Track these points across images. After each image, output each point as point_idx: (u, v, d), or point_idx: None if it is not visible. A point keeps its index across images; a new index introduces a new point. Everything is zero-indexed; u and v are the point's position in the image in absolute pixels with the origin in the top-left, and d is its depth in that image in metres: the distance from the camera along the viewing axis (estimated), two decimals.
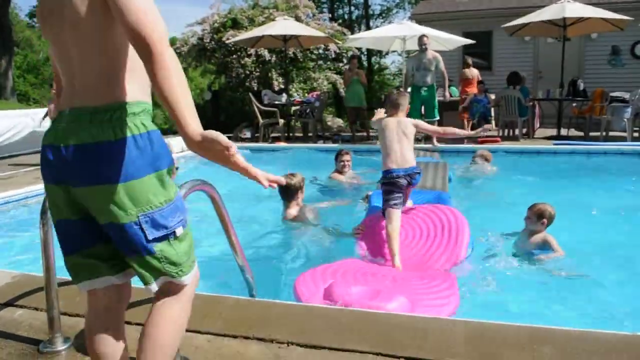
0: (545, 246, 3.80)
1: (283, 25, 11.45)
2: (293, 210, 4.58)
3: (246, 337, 2.33)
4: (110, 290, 1.60)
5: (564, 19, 9.99)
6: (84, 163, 1.40)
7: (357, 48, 15.69)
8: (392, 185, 4.00)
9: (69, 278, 2.95)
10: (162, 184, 1.47)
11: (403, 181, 4.00)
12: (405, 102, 4.35)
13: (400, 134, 4.10)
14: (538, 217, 3.82)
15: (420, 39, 9.55)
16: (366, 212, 4.81)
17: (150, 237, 1.44)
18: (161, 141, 1.49)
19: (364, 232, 4.15)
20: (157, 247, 1.46)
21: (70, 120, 1.43)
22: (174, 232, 1.49)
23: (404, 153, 4.07)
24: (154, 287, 1.52)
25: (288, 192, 4.55)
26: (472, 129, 12.02)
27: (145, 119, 1.46)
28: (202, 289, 3.00)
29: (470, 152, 7.99)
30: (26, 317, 2.64)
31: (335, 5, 29.98)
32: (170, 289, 1.55)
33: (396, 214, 3.86)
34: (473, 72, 11.97)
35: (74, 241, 1.54)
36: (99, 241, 1.52)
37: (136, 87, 1.46)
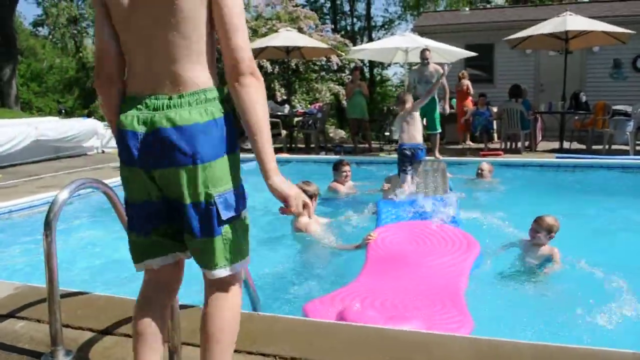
0: (549, 258, 3.79)
1: (286, 37, 11.50)
2: (304, 220, 4.53)
3: (249, 353, 2.30)
4: (173, 268, 1.67)
5: (566, 32, 10.02)
6: (166, 146, 1.46)
7: (359, 60, 15.75)
8: (402, 155, 6.09)
9: (72, 290, 2.95)
10: (235, 167, 1.55)
11: (408, 152, 6.06)
12: (409, 98, 6.27)
13: (408, 119, 6.10)
14: (548, 231, 3.82)
15: (422, 52, 9.62)
16: (376, 221, 4.80)
17: (223, 217, 1.51)
18: (236, 125, 1.55)
19: (375, 241, 4.12)
20: (224, 230, 1.53)
21: (152, 106, 1.48)
22: (240, 214, 1.56)
23: (411, 133, 6.09)
24: (218, 272, 1.55)
25: None
26: (474, 141, 12.05)
27: (224, 103, 1.53)
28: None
29: (471, 164, 7.98)
30: (28, 329, 2.62)
31: (338, 17, 30.14)
32: (223, 284, 1.59)
33: (407, 177, 5.98)
34: (462, 84, 12.11)
35: (150, 220, 1.59)
36: (168, 220, 1.58)
37: (215, 74, 1.53)
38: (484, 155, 9.57)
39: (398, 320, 2.64)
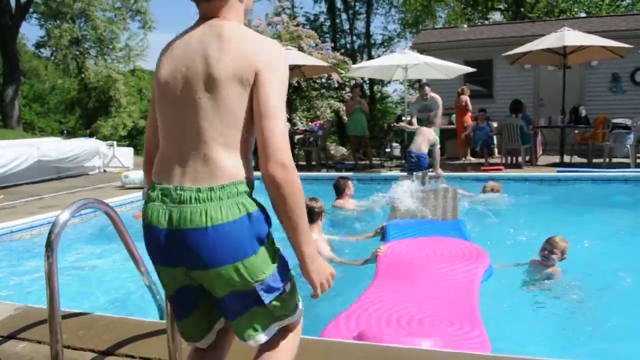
0: (554, 277, 3.79)
1: (286, 56, 11.58)
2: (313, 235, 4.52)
3: None
4: (220, 337, 1.65)
5: (564, 47, 10.09)
6: (204, 248, 1.38)
7: (359, 77, 15.84)
8: (409, 159, 8.21)
9: (73, 310, 2.94)
10: (271, 252, 1.48)
11: (413, 158, 8.09)
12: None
13: (418, 133, 8.45)
14: (562, 252, 3.85)
15: (422, 88, 10.19)
16: (384, 240, 4.80)
17: (266, 302, 1.45)
18: (266, 213, 1.49)
19: (385, 253, 4.10)
20: (272, 304, 1.48)
21: (181, 200, 1.40)
22: (285, 289, 1.50)
23: (418, 143, 8.20)
24: (263, 337, 1.51)
25: (309, 216, 4.51)
26: (475, 156, 12.07)
27: (251, 194, 1.46)
28: None
29: (473, 179, 7.99)
30: (29, 350, 2.60)
31: (338, 35, 30.39)
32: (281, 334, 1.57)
33: (411, 177, 7.81)
34: (461, 100, 12.22)
35: (188, 305, 1.55)
36: (206, 299, 1.53)
37: (249, 164, 1.47)
38: (484, 170, 9.58)
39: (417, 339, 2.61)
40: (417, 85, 18.52)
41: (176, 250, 1.41)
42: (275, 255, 1.50)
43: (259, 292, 1.43)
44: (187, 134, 1.43)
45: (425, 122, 9.72)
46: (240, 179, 1.42)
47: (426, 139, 8.19)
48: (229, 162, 1.41)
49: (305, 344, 2.58)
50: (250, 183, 1.46)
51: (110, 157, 13.01)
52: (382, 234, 5.05)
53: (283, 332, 1.56)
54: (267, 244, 1.47)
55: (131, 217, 6.46)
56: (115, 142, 13.85)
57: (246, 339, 1.49)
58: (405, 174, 8.28)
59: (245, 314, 1.46)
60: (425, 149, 8.10)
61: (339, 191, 6.53)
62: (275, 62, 1.43)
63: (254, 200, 1.46)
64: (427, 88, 10.31)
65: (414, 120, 10.06)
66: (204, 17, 1.48)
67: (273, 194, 1.38)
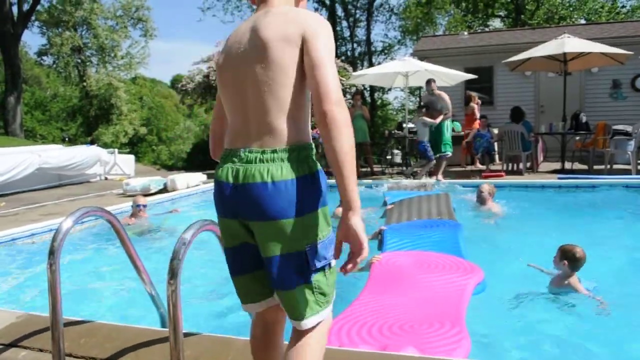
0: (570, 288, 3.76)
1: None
2: None
3: None
4: (276, 310, 1.69)
5: (564, 54, 10.13)
6: (257, 200, 1.49)
7: (360, 84, 15.88)
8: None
9: (75, 318, 2.93)
10: (325, 219, 1.57)
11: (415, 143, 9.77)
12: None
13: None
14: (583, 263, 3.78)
15: (428, 84, 10.05)
16: (380, 247, 4.79)
17: (313, 267, 1.53)
18: (325, 179, 1.57)
19: (379, 262, 4.10)
20: (315, 278, 1.54)
21: (245, 159, 1.52)
22: (330, 263, 1.57)
23: (421, 131, 9.61)
24: (306, 323, 1.56)
25: None
26: (474, 163, 12.07)
27: (313, 158, 1.56)
28: (211, 329, 2.97)
29: (474, 186, 7.98)
30: (30, 358, 2.59)
31: (338, 43, 30.49)
32: (302, 335, 1.58)
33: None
34: (470, 107, 12.18)
35: (248, 262, 1.64)
36: (263, 267, 1.60)
37: (308, 130, 1.58)
38: (485, 177, 9.58)
39: (392, 349, 2.60)
40: (417, 92, 18.56)
41: (239, 202, 1.53)
42: (329, 223, 1.57)
43: (308, 255, 1.51)
44: (249, 104, 1.54)
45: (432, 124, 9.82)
46: (301, 142, 1.53)
47: (426, 130, 9.68)
48: (290, 127, 1.51)
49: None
50: (310, 146, 1.56)
51: (112, 165, 13.04)
52: (380, 239, 5.07)
53: (316, 329, 1.59)
54: (323, 208, 1.56)
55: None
56: (116, 150, 13.88)
57: (295, 318, 1.56)
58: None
59: (296, 289, 1.53)
60: (424, 138, 9.71)
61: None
62: (320, 26, 1.52)
63: (315, 162, 1.55)
64: (433, 84, 10.21)
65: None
66: (259, 9, 1.62)
67: (328, 133, 1.42)
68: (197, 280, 4.29)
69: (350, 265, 1.50)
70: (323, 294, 1.56)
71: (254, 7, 1.69)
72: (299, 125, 1.53)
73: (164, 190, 9.33)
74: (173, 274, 1.94)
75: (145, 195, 8.41)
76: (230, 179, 1.53)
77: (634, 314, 3.43)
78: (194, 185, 9.88)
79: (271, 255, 1.52)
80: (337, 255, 1.55)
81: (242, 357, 2.47)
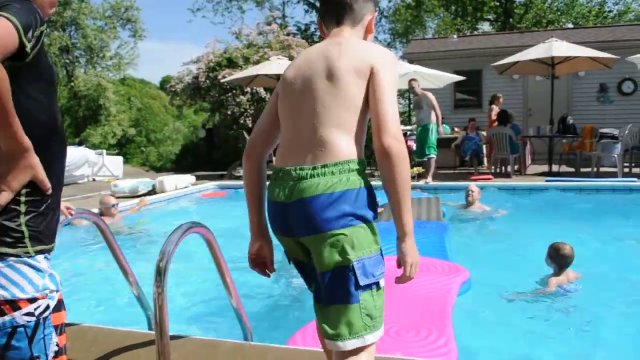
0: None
1: (277, 65, 11.63)
2: None
3: None
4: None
5: (552, 57, 10.22)
6: (306, 215, 1.52)
7: None
8: None
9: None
10: (373, 234, 1.56)
11: None
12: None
13: None
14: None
15: (409, 83, 9.85)
16: None
17: (361, 283, 1.50)
18: (374, 196, 1.58)
19: None
20: (362, 297, 1.51)
21: (296, 176, 1.55)
22: (378, 282, 1.54)
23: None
24: (347, 345, 1.51)
25: None
26: (464, 166, 12.14)
27: (365, 175, 1.59)
28: (197, 332, 2.96)
29: (462, 189, 8.01)
30: None
31: None
32: (353, 351, 1.53)
33: None
34: (490, 109, 11.79)
35: (309, 278, 1.69)
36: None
37: (360, 147, 1.60)
38: (474, 180, 9.63)
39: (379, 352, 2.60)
40: (407, 95, 18.62)
41: (290, 220, 1.56)
42: (377, 241, 1.57)
43: (356, 269, 1.49)
44: (305, 120, 1.59)
45: (418, 125, 9.75)
46: (353, 158, 1.55)
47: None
48: (343, 142, 1.55)
49: (283, 353, 2.58)
50: (362, 162, 1.58)
51: (100, 166, 12.95)
52: None
53: (358, 352, 1.53)
54: (372, 224, 1.56)
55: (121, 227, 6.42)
56: (104, 151, 13.79)
57: (331, 337, 1.52)
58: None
59: (338, 306, 1.51)
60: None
61: None
62: (387, 60, 1.62)
63: (365, 178, 1.58)
64: (413, 82, 9.90)
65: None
66: (331, 37, 1.72)
67: (386, 165, 1.49)
68: (184, 282, 4.27)
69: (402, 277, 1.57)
70: (369, 316, 1.51)
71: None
72: (352, 142, 1.57)
73: (153, 191, 9.28)
74: (160, 275, 1.93)
75: (136, 197, 8.38)
76: (282, 198, 1.57)
77: (619, 313, 3.46)
78: (183, 186, 9.83)
79: (320, 270, 1.54)
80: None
81: None
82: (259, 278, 4.40)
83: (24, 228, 1.34)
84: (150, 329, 2.85)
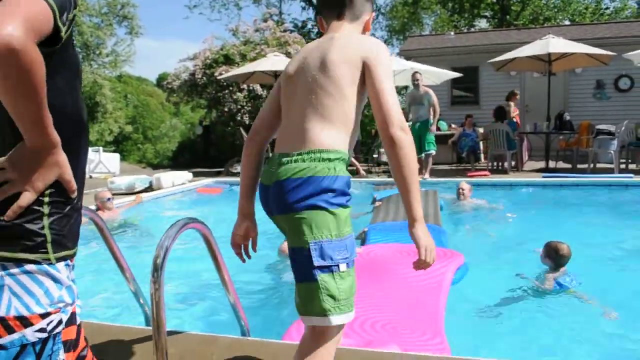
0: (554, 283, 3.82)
1: (274, 61, 11.62)
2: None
3: None
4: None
5: (549, 54, 10.22)
6: (279, 196, 1.62)
7: None
8: None
9: None
10: (337, 220, 1.59)
11: None
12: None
13: None
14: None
15: (413, 75, 9.74)
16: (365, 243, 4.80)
17: (315, 264, 1.56)
18: (345, 185, 1.63)
19: (360, 254, 4.11)
20: (321, 277, 1.57)
21: (280, 163, 1.64)
22: (338, 265, 1.58)
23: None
24: (313, 321, 1.59)
25: None
26: (461, 162, 12.15)
27: (340, 164, 1.63)
28: (194, 328, 2.96)
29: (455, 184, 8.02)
30: None
31: None
32: (320, 329, 1.61)
33: None
34: (508, 105, 11.67)
35: None
36: None
37: (345, 138, 1.66)
38: (471, 176, 9.64)
39: (374, 345, 2.61)
40: (403, 91, 18.62)
41: (271, 200, 1.67)
42: (343, 231, 1.61)
43: (311, 250, 1.55)
44: (296, 110, 1.69)
45: (416, 121, 9.64)
46: (334, 148, 1.62)
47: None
48: (323, 132, 1.62)
49: (280, 348, 2.58)
50: (338, 152, 1.63)
51: (97, 163, 12.93)
52: (363, 239, 5.08)
53: (325, 333, 1.61)
54: (340, 214, 1.60)
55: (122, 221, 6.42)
56: (101, 148, 13.75)
57: (300, 312, 1.62)
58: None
59: (302, 283, 1.60)
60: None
61: None
62: (381, 52, 1.68)
63: (340, 167, 1.62)
64: (418, 75, 9.72)
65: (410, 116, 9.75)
66: (330, 32, 1.80)
67: (394, 154, 1.57)
68: (181, 278, 4.27)
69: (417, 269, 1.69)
70: (332, 297, 1.56)
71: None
72: (337, 134, 1.64)
73: (150, 188, 9.27)
74: (157, 271, 1.93)
75: (133, 193, 8.36)
76: (267, 182, 1.68)
77: (615, 308, 3.47)
78: (180, 183, 9.82)
79: (289, 247, 1.65)
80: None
81: (225, 356, 2.47)
82: (256, 273, 4.41)
83: (46, 231, 1.20)
84: (147, 324, 2.85)
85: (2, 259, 1.15)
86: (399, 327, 2.87)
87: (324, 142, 1.61)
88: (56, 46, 1.14)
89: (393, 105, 1.60)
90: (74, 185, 1.25)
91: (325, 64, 1.65)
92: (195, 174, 11.47)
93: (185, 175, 10.36)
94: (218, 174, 11.99)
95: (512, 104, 11.68)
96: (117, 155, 14.62)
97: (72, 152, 1.25)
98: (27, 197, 1.17)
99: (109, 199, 6.63)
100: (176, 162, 18.51)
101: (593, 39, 13.16)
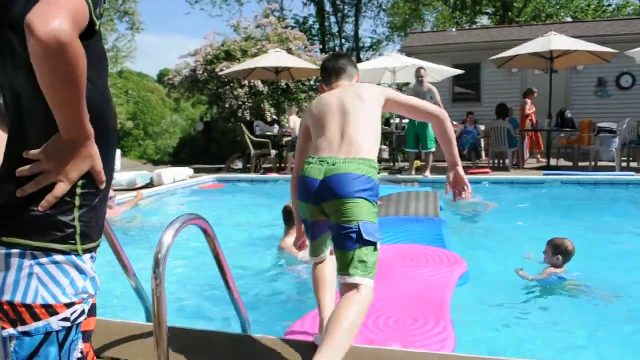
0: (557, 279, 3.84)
1: (275, 57, 11.60)
2: (289, 241, 4.53)
3: None
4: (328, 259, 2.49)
5: (551, 51, 10.20)
6: (337, 184, 2.19)
7: None
8: None
9: None
10: (374, 212, 2.23)
11: None
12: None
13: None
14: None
15: (417, 71, 9.63)
16: None
17: (365, 237, 2.12)
18: (378, 187, 2.27)
19: None
20: (362, 248, 2.13)
21: (332, 163, 2.24)
22: (375, 243, 2.17)
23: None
24: (352, 279, 2.12)
25: (289, 219, 4.52)
26: (462, 159, 12.13)
27: (376, 172, 2.29)
28: (195, 324, 2.96)
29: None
30: None
31: (326, 38, 30.45)
32: (357, 288, 2.11)
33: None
34: (523, 102, 11.58)
35: (320, 231, 2.39)
36: (327, 232, 2.38)
37: (376, 149, 2.37)
38: (472, 173, 9.63)
39: (378, 343, 2.62)
40: (405, 88, 18.60)
41: (322, 191, 2.23)
42: (375, 220, 2.21)
43: (361, 227, 2.12)
44: (336, 126, 2.36)
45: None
46: (373, 158, 2.30)
47: None
48: (365, 145, 2.29)
49: (282, 344, 2.58)
50: (375, 162, 2.30)
51: None
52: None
53: (360, 290, 2.11)
54: (376, 208, 2.24)
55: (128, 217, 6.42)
56: None
57: (347, 272, 2.13)
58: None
59: (350, 252, 2.13)
60: None
61: None
62: (389, 89, 2.83)
63: (375, 174, 2.26)
64: (422, 71, 9.59)
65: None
66: (334, 87, 2.59)
67: (440, 125, 2.53)
68: (182, 274, 4.27)
69: (460, 196, 2.64)
70: (364, 264, 2.12)
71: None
72: (375, 145, 2.35)
73: (151, 184, 9.27)
74: (158, 267, 1.93)
75: (134, 189, 8.36)
76: (318, 176, 2.24)
77: (618, 304, 3.48)
78: (181, 179, 9.82)
79: (335, 223, 2.20)
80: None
81: (226, 352, 2.47)
82: (256, 269, 4.41)
83: (76, 223, 1.22)
84: (148, 320, 2.85)
85: (32, 248, 1.17)
86: (402, 321, 2.88)
87: (369, 153, 2.28)
88: (91, 39, 1.17)
89: (424, 102, 2.67)
90: (104, 177, 1.27)
91: (362, 97, 2.41)
92: (196, 170, 11.47)
93: (186, 171, 10.36)
94: (219, 170, 11.98)
95: (528, 101, 11.62)
96: (118, 151, 14.58)
97: (102, 144, 1.27)
98: (61, 188, 1.19)
99: (110, 198, 6.62)
100: (177, 158, 18.48)
101: (595, 36, 13.14)
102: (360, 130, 2.30)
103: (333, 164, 2.20)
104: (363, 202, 2.14)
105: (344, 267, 2.13)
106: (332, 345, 1.93)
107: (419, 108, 2.54)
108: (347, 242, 2.12)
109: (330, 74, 2.63)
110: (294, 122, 11.60)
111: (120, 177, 9.24)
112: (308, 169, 2.27)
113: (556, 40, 10.18)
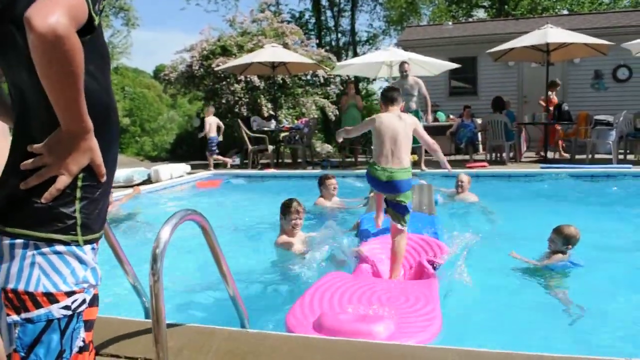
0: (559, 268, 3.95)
1: (271, 53, 11.56)
2: (285, 237, 4.53)
3: None
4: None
5: (547, 44, 10.20)
6: (396, 185, 3.82)
7: (346, 74, 15.85)
8: None
9: None
10: (411, 195, 3.90)
11: None
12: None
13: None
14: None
15: (401, 65, 9.62)
16: (358, 237, 4.81)
17: (409, 209, 3.87)
18: (412, 181, 3.88)
19: (364, 254, 4.14)
20: (406, 215, 3.86)
21: (391, 171, 3.80)
22: (409, 211, 3.87)
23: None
24: (401, 227, 3.85)
25: (287, 214, 4.52)
26: (459, 153, 12.13)
27: (410, 172, 3.88)
28: (194, 320, 2.96)
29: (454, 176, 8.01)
30: None
31: (323, 33, 30.33)
32: (401, 230, 3.86)
33: None
34: (548, 95, 11.42)
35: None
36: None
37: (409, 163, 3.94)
38: (469, 167, 9.64)
39: (370, 321, 2.70)
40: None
41: (386, 188, 3.87)
42: (411, 200, 3.95)
43: (407, 205, 3.85)
44: (390, 143, 3.86)
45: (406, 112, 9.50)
46: (408, 166, 3.86)
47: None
48: (406, 159, 3.86)
49: (279, 340, 2.58)
50: (411, 168, 3.88)
51: None
52: (357, 228, 5.09)
53: (403, 232, 3.88)
54: (411, 194, 3.95)
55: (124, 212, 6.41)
56: None
57: (399, 223, 3.85)
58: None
59: (401, 215, 3.85)
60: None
61: (323, 188, 6.50)
62: (419, 123, 4.26)
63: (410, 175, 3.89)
64: (406, 66, 9.52)
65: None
66: (390, 110, 4.10)
67: (433, 149, 4.31)
68: (180, 271, 4.26)
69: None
70: (405, 220, 3.86)
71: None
72: (408, 159, 3.87)
73: (148, 181, 9.25)
74: (156, 263, 1.93)
75: (131, 186, 8.35)
76: (383, 178, 3.80)
77: (614, 296, 3.49)
78: (178, 175, 9.80)
79: (395, 202, 3.85)
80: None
81: (225, 347, 2.47)
82: (255, 266, 4.40)
83: (77, 215, 1.27)
84: (146, 317, 2.85)
85: (35, 238, 1.22)
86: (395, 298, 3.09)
87: (407, 163, 3.85)
88: (90, 35, 1.22)
89: (429, 138, 4.25)
90: (104, 170, 1.31)
91: (406, 124, 3.94)
92: (194, 166, 11.45)
93: (183, 167, 10.34)
94: (216, 166, 11.97)
95: (552, 93, 11.54)
96: None
97: (103, 137, 1.31)
98: (63, 181, 1.24)
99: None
100: (174, 154, 18.44)
101: (591, 29, 13.12)
102: (402, 149, 3.83)
103: (391, 172, 3.78)
104: (408, 193, 3.86)
105: (397, 221, 3.83)
106: (397, 263, 3.82)
107: (424, 138, 4.20)
108: (401, 210, 3.82)
109: (387, 101, 4.16)
110: (209, 123, 11.99)
111: (118, 174, 9.21)
112: (375, 172, 3.82)
113: (553, 33, 10.17)
